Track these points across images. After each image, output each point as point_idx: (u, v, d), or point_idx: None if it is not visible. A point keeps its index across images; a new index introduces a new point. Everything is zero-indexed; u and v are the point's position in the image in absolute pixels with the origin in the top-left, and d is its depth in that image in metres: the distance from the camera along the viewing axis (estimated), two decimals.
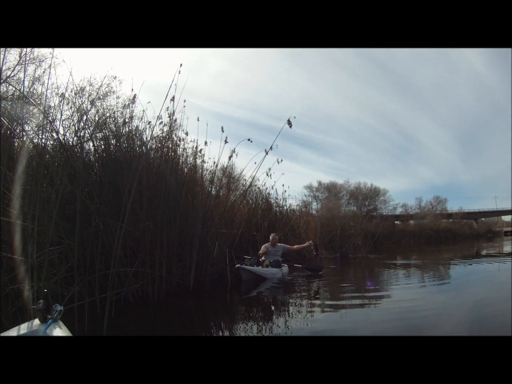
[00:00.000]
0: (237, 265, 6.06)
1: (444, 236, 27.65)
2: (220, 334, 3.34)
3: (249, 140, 5.22)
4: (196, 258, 5.11)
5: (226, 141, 5.64)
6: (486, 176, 77.93)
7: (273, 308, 4.37)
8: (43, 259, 3.26)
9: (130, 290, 4.25)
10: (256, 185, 9.96)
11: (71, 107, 5.04)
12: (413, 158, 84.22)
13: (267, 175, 6.90)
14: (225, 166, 6.47)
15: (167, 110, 5.19)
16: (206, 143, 5.76)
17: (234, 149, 5.52)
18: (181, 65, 4.60)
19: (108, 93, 5.84)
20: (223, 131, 5.45)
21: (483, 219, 49.66)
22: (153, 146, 5.36)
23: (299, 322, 3.43)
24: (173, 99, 4.84)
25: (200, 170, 6.37)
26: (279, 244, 7.77)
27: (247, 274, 6.06)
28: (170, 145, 5.50)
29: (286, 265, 7.50)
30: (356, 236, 12.52)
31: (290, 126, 4.77)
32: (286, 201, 11.87)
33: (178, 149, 5.76)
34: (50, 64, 4.24)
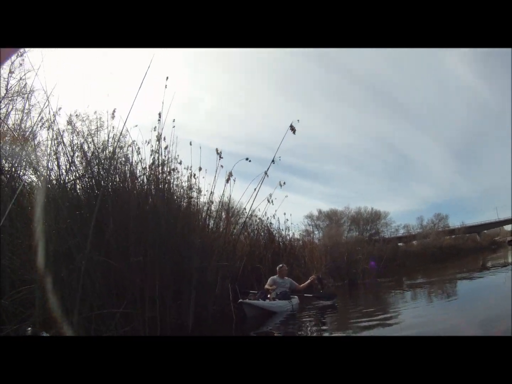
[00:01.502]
0: (239, 300, 5.44)
1: (449, 253, 27.05)
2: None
3: (247, 159, 4.85)
4: (195, 295, 4.62)
5: (221, 166, 5.31)
6: (486, 187, 77.96)
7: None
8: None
9: (118, 333, 3.69)
10: (256, 215, 9.58)
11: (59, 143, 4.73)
12: (411, 177, 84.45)
13: (269, 201, 6.45)
14: (222, 194, 6.02)
15: (156, 135, 4.92)
16: (200, 169, 5.39)
17: (231, 172, 5.12)
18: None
19: (99, 128, 5.55)
20: (218, 154, 5.05)
21: (485, 231, 49.05)
22: (142, 176, 5.01)
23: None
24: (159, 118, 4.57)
25: (196, 201, 6.01)
26: (287, 278, 7.23)
27: (252, 309, 5.43)
28: (161, 173, 5.14)
29: (296, 296, 6.89)
30: (364, 261, 12.00)
31: (294, 132, 4.39)
32: (289, 230, 11.38)
33: (171, 178, 5.44)
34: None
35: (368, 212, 35.86)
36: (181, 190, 5.83)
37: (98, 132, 5.27)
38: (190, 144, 5.57)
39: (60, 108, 4.56)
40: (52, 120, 4.39)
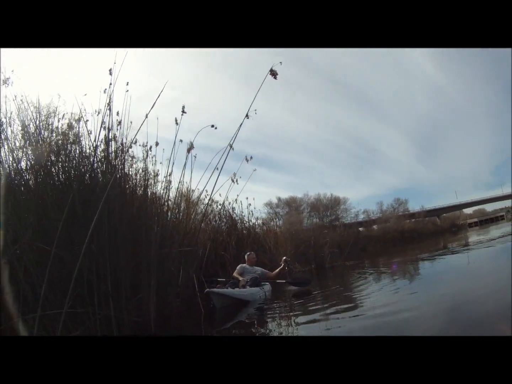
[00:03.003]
0: (206, 290, 4.83)
1: (410, 236, 28.25)
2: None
3: (213, 126, 4.18)
4: (156, 287, 3.96)
5: (181, 140, 4.60)
6: (445, 172, 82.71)
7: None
8: None
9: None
10: (217, 201, 8.97)
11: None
12: (372, 166, 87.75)
13: (233, 181, 5.81)
14: (181, 175, 5.25)
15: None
16: (157, 144, 4.64)
17: (192, 144, 4.39)
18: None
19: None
20: (177, 123, 4.31)
21: (444, 214, 51.74)
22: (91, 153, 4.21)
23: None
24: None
25: (153, 183, 5.28)
26: (256, 267, 6.75)
27: (221, 299, 4.86)
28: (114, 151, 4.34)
29: (267, 282, 6.40)
30: (332, 245, 11.81)
31: (275, 77, 3.75)
32: (252, 213, 10.90)
33: (124, 156, 4.68)
34: None
35: (327, 199, 36.48)
36: (136, 171, 5.12)
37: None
38: (146, 116, 4.83)
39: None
40: None
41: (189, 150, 4.28)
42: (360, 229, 28.39)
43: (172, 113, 4.52)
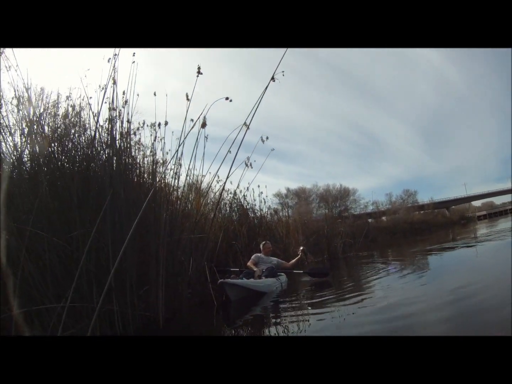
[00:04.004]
0: (220, 280, 4.44)
1: (419, 228, 28.08)
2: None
3: (227, 99, 3.73)
4: (165, 277, 3.57)
5: (191, 120, 4.15)
6: (453, 165, 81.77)
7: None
8: None
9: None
10: (228, 189, 8.56)
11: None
12: (378, 157, 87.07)
13: (246, 165, 5.34)
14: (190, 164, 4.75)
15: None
16: (166, 123, 4.20)
17: (205, 118, 3.94)
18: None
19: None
20: (188, 99, 3.85)
21: (453, 206, 51.24)
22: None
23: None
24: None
25: (162, 167, 4.83)
26: (272, 257, 6.34)
27: (236, 290, 4.46)
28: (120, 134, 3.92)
29: (283, 273, 5.98)
30: (346, 234, 11.43)
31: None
32: (265, 202, 10.43)
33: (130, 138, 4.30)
34: None
35: (336, 189, 36.16)
36: (143, 154, 4.72)
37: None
38: (154, 94, 4.41)
39: None
40: None
41: (203, 125, 3.84)
42: (370, 220, 27.98)
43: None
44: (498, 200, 66.31)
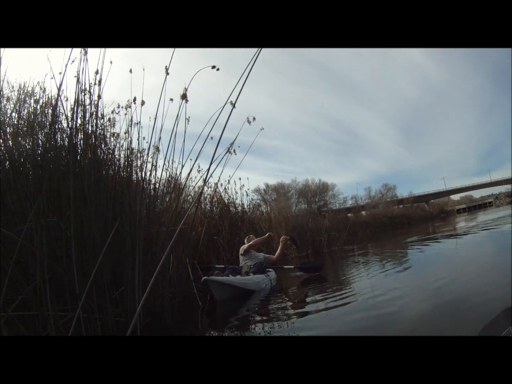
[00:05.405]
0: (203, 278, 3.99)
1: (399, 222, 28.58)
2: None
3: (214, 67, 3.24)
4: (142, 276, 3.08)
5: (171, 100, 3.63)
6: (432, 159, 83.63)
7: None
8: None
9: None
10: (209, 182, 8.14)
11: None
12: (357, 152, 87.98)
13: (229, 152, 4.85)
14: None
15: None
16: (143, 102, 3.66)
17: (185, 93, 3.41)
18: None
19: None
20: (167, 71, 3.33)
21: (433, 200, 52.44)
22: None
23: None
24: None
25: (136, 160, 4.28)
26: (259, 253, 5.88)
27: (221, 289, 4.01)
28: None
29: (271, 269, 5.56)
30: (331, 228, 11.18)
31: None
32: (247, 195, 10.20)
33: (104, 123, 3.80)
34: None
35: (315, 184, 36.25)
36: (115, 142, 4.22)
37: None
38: (130, 71, 3.92)
39: None
40: None
41: (183, 97, 3.29)
42: (349, 215, 28.07)
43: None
44: (477, 194, 68.63)
